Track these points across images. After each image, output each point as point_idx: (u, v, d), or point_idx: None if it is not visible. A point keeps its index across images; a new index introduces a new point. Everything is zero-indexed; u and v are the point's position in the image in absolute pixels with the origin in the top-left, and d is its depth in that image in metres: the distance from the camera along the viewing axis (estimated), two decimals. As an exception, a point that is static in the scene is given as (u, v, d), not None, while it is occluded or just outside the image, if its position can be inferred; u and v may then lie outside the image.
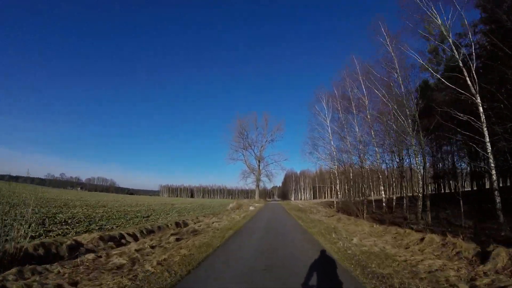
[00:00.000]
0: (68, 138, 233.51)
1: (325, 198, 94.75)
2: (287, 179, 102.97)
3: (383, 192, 23.74)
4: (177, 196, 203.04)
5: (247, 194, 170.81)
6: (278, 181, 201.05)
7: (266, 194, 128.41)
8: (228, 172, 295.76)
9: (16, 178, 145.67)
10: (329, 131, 27.99)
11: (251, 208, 30.43)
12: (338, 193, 28.94)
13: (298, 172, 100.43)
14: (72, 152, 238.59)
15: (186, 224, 12.90)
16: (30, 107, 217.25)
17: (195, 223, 13.55)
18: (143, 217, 15.53)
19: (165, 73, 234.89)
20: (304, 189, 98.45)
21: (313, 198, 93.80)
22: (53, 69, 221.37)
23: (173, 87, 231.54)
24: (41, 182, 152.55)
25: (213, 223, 13.77)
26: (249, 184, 61.57)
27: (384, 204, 20.91)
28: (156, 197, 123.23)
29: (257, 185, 60.59)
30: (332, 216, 18.01)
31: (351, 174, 26.01)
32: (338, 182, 29.04)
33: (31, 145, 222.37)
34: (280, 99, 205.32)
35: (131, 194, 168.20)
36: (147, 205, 29.98)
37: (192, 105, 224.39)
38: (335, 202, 28.35)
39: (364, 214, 14.25)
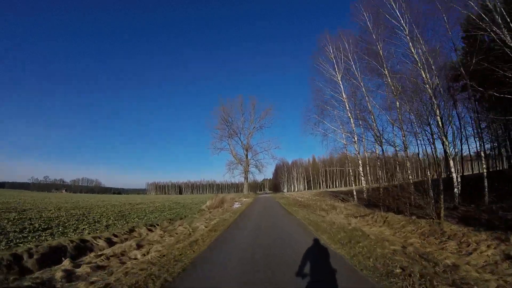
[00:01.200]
0: (52, 140, 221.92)
1: (320, 188, 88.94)
2: (278, 170, 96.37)
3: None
4: (165, 193, 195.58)
5: (237, 187, 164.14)
6: (269, 173, 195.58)
7: (256, 186, 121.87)
8: (217, 166, 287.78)
9: (3, 185, 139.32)
10: (342, 90, 20.60)
11: (236, 205, 23.29)
12: (362, 180, 21.76)
13: (290, 162, 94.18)
14: (55, 154, 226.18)
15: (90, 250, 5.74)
16: (10, 111, 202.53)
17: (101, 251, 6.24)
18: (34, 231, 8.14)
19: (147, 65, 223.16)
20: (297, 179, 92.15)
21: (307, 189, 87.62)
22: (30, 70, 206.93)
23: (154, 77, 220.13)
24: (25, 186, 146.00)
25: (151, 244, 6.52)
26: (237, 176, 54.54)
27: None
28: (137, 195, 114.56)
29: (246, 177, 53.51)
30: (368, 216, 10.75)
31: (380, 153, 18.99)
32: (361, 164, 21.49)
33: (14, 149, 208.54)
34: (268, 82, 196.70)
35: (119, 193, 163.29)
36: (102, 205, 22.32)
37: (174, 96, 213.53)
38: (355, 193, 21.05)
39: (442, 212, 7.18)
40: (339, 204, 16.31)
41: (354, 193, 18.35)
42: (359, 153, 20.74)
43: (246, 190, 53.46)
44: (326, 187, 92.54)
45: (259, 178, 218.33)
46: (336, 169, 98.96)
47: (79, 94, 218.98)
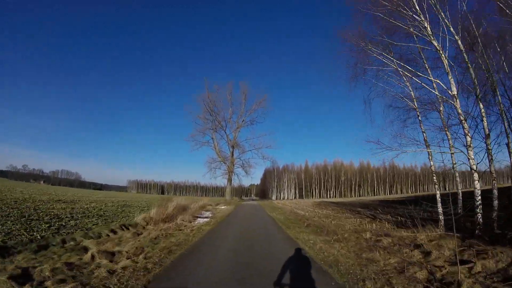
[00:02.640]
0: (33, 128, 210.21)
1: (313, 197, 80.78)
2: (267, 175, 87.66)
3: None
4: (146, 192, 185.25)
5: (223, 191, 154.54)
6: (256, 179, 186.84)
7: (242, 191, 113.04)
8: (202, 167, 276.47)
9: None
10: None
11: (202, 218, 14.48)
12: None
13: (281, 166, 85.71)
14: (36, 143, 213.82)
15: None
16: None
17: None
18: None
19: (133, 54, 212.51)
20: (288, 187, 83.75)
21: (298, 198, 79.30)
22: (12, 56, 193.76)
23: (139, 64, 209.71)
24: (2, 174, 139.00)
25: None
26: (219, 177, 45.55)
27: None
28: (116, 192, 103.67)
29: (229, 179, 44.63)
30: None
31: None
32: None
33: None
34: (260, 69, 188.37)
35: (100, 189, 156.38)
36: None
37: (163, 93, 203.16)
38: (440, 210, 12.18)
39: None
40: (408, 234, 7.71)
41: (440, 210, 9.27)
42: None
43: (229, 195, 44.58)
44: (320, 196, 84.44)
45: (246, 182, 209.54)
46: (315, 182, 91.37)
47: (65, 83, 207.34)
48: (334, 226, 11.20)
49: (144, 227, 10.40)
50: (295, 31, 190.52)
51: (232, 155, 45.41)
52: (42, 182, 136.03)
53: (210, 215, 16.56)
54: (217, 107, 44.90)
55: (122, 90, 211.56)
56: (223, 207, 25.21)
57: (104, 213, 13.36)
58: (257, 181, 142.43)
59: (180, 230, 10.25)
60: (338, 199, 57.47)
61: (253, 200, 71.56)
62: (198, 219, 13.64)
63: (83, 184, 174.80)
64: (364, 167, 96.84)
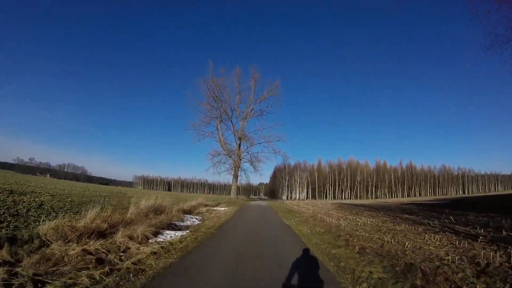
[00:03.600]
0: (40, 122, 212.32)
1: (326, 198, 74.42)
2: (277, 173, 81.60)
3: None
4: (152, 188, 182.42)
5: (231, 190, 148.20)
6: (266, 177, 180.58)
7: (250, 190, 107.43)
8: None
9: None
10: None
11: (166, 235, 8.64)
12: None
13: (292, 164, 79.45)
14: (43, 137, 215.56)
15: None
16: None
17: None
18: None
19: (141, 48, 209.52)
20: (300, 186, 77.48)
21: (311, 198, 73.14)
22: (20, 47, 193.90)
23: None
24: (8, 166, 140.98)
25: None
26: (223, 173, 40.00)
27: None
28: (123, 188, 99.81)
29: (235, 175, 39.05)
30: None
31: None
32: None
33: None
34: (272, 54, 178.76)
35: (106, 184, 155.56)
36: None
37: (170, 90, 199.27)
38: None
39: None
40: None
41: None
42: None
43: (234, 193, 39.06)
44: (334, 197, 78.04)
45: (255, 181, 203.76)
46: (329, 181, 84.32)
47: (73, 76, 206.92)
48: (414, 252, 5.44)
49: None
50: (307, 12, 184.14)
51: (239, 148, 39.86)
52: (48, 175, 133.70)
53: (196, 223, 10.97)
54: (223, 94, 39.38)
55: (129, 84, 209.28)
56: (222, 208, 19.61)
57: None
58: (266, 179, 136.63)
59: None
60: (354, 201, 51.27)
61: (261, 199, 65.81)
62: (166, 232, 7.99)
63: (90, 179, 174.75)
64: (380, 166, 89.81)
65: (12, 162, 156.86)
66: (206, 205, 19.89)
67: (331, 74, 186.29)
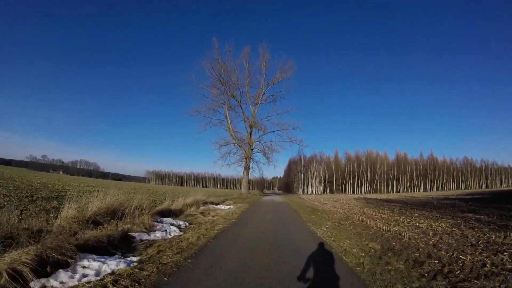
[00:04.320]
0: (52, 119, 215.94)
1: (345, 192, 69.17)
2: (292, 166, 76.75)
3: None
4: (165, 184, 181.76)
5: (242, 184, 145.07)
6: (279, 170, 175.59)
7: (263, 184, 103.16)
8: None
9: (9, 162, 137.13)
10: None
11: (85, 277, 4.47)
12: None
13: (308, 156, 74.38)
14: (55, 134, 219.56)
15: None
16: (10, 88, 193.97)
17: None
18: None
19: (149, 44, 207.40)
20: (317, 180, 72.30)
21: (329, 192, 68.21)
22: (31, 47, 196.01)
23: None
24: (23, 164, 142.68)
25: None
26: (233, 164, 35.78)
27: None
28: (136, 183, 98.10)
29: (246, 166, 34.80)
30: None
31: None
32: None
33: (14, 126, 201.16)
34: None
35: (120, 179, 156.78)
36: None
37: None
38: None
39: None
40: None
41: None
42: None
43: (246, 188, 34.84)
44: (353, 191, 72.77)
45: (268, 174, 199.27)
46: (348, 174, 78.22)
47: (83, 73, 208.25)
48: None
49: None
50: None
51: (250, 136, 35.47)
52: (61, 172, 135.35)
53: (171, 234, 6.70)
54: (231, 77, 34.91)
55: (137, 79, 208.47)
56: (226, 207, 15.35)
57: None
58: (280, 173, 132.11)
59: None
60: (378, 195, 46.19)
61: (276, 194, 61.45)
62: (79, 268, 3.71)
63: (103, 175, 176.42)
64: (401, 158, 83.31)
65: (26, 159, 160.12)
66: (206, 203, 15.73)
67: (346, 60, 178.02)
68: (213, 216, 10.46)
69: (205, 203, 15.93)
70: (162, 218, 8.60)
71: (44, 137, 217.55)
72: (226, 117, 35.18)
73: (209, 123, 35.19)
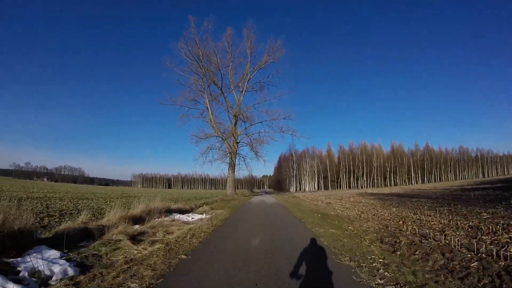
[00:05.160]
0: (34, 125, 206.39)
1: (341, 188, 65.05)
2: (282, 162, 72.08)
3: None
4: (152, 187, 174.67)
5: (236, 184, 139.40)
6: (269, 169, 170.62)
7: (253, 183, 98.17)
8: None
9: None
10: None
11: None
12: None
13: (300, 151, 69.83)
14: (38, 140, 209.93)
15: None
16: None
17: None
18: None
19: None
20: (310, 176, 67.85)
21: (324, 189, 64.02)
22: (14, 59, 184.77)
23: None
24: (8, 173, 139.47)
25: None
26: (216, 161, 30.67)
27: None
28: (122, 188, 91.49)
29: (231, 163, 29.88)
30: None
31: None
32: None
33: None
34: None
35: (106, 185, 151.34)
36: None
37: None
38: None
39: None
40: None
41: None
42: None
43: (231, 188, 29.91)
44: (348, 187, 68.86)
45: (258, 173, 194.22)
46: (343, 170, 74.08)
47: (62, 77, 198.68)
48: None
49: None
50: None
51: (235, 128, 30.55)
52: (45, 179, 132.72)
53: None
54: (211, 61, 29.80)
55: (119, 82, 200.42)
56: (196, 217, 10.40)
57: None
58: (270, 171, 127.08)
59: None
60: (376, 190, 42.28)
61: (266, 193, 56.72)
62: None
63: (89, 180, 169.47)
64: (397, 150, 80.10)
65: (9, 167, 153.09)
66: (169, 211, 10.83)
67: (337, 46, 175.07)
68: (151, 245, 5.57)
69: (168, 211, 11.04)
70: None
71: (27, 143, 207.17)
72: (207, 107, 30.16)
73: (187, 115, 30.15)
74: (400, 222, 7.89)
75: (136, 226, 7.21)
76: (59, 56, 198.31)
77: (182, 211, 12.49)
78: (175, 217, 10.05)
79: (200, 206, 15.35)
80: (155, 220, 8.62)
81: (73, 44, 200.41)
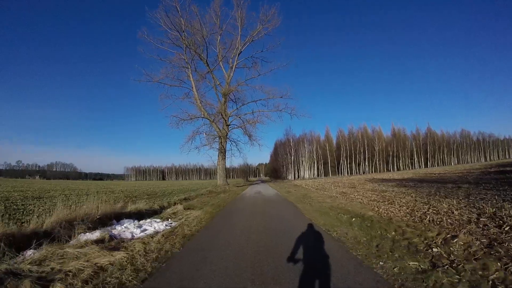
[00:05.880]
0: (24, 121, 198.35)
1: (340, 175, 61.48)
2: (279, 149, 67.82)
3: None
4: (145, 179, 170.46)
5: (232, 173, 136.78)
6: (265, 157, 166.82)
7: (248, 172, 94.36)
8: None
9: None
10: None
11: None
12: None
13: (298, 136, 65.55)
14: (29, 138, 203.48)
15: None
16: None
17: None
18: None
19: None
20: (309, 162, 63.78)
21: (324, 175, 60.40)
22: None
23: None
24: None
25: None
26: (203, 147, 26.33)
27: None
28: (114, 182, 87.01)
29: (221, 149, 25.64)
30: None
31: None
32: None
33: None
34: None
35: (100, 179, 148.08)
36: None
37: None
38: None
39: None
40: None
41: None
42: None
43: (222, 177, 25.73)
44: (350, 173, 65.30)
45: (253, 160, 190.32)
46: (343, 155, 70.27)
47: (48, 71, 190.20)
48: None
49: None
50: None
51: (224, 108, 26.11)
52: (37, 177, 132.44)
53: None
54: (194, 32, 24.97)
55: (108, 70, 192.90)
56: (150, 230, 6.16)
57: None
58: (266, 159, 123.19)
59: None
60: (380, 175, 38.64)
61: (263, 182, 52.83)
62: None
63: (82, 176, 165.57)
64: (398, 133, 76.36)
65: (0, 167, 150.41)
66: (120, 216, 6.66)
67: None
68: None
69: (117, 216, 6.89)
70: None
71: (17, 141, 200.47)
72: (191, 84, 25.58)
73: (169, 95, 25.58)
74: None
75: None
76: (48, 51, 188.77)
77: (142, 214, 8.37)
78: (113, 231, 5.86)
79: (175, 204, 11.20)
80: (82, 237, 4.40)
81: (54, 36, 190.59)
